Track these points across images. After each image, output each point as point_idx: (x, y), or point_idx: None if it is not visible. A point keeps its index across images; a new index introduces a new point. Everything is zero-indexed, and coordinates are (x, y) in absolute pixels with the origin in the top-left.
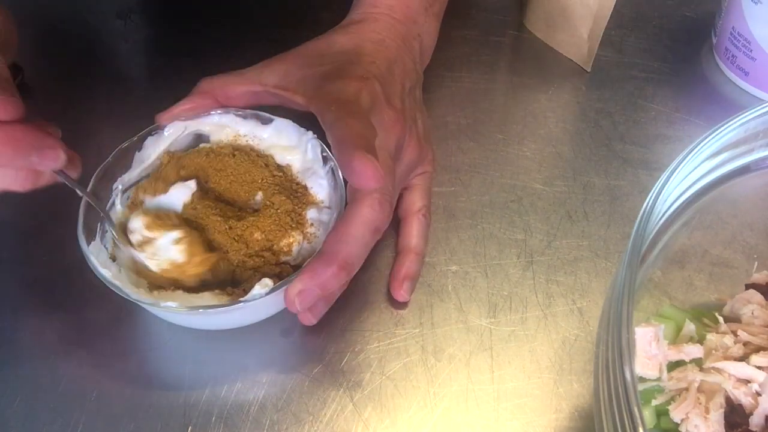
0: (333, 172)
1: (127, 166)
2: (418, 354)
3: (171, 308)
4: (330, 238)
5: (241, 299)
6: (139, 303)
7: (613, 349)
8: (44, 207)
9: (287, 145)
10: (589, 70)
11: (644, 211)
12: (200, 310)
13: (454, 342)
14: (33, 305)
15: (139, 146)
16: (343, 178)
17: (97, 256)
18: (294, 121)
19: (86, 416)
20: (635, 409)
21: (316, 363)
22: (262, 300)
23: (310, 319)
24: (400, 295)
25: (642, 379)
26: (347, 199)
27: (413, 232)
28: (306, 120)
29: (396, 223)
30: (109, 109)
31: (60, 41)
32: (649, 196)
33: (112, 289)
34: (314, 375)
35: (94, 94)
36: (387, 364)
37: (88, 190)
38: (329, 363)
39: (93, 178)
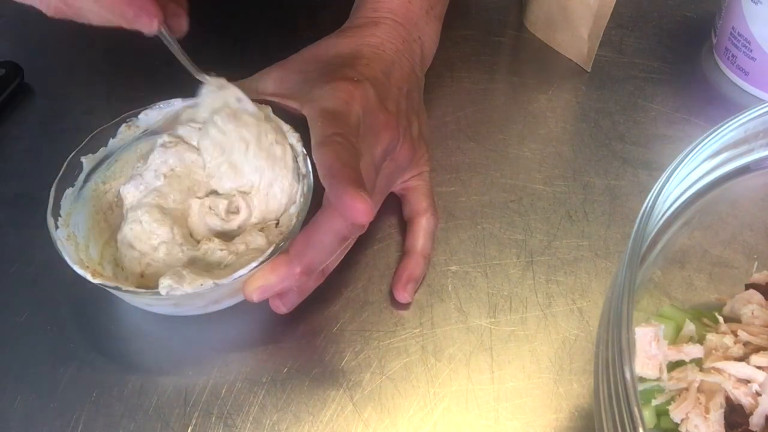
0: (305, 161)
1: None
2: (418, 354)
3: (133, 293)
4: (299, 240)
5: (204, 282)
6: (103, 287)
7: (613, 349)
8: (43, 206)
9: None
10: (589, 70)
11: (644, 211)
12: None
13: (454, 342)
14: (32, 305)
15: (113, 132)
16: (313, 171)
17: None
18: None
19: (86, 416)
20: (635, 409)
21: (316, 363)
22: (229, 285)
23: (280, 308)
24: (403, 296)
25: (642, 379)
26: (322, 202)
27: (420, 234)
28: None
29: (400, 223)
30: (109, 109)
31: (60, 41)
32: (649, 196)
33: (73, 268)
34: (314, 375)
35: (93, 94)
36: (387, 364)
37: (60, 174)
38: (329, 363)
39: (65, 163)
